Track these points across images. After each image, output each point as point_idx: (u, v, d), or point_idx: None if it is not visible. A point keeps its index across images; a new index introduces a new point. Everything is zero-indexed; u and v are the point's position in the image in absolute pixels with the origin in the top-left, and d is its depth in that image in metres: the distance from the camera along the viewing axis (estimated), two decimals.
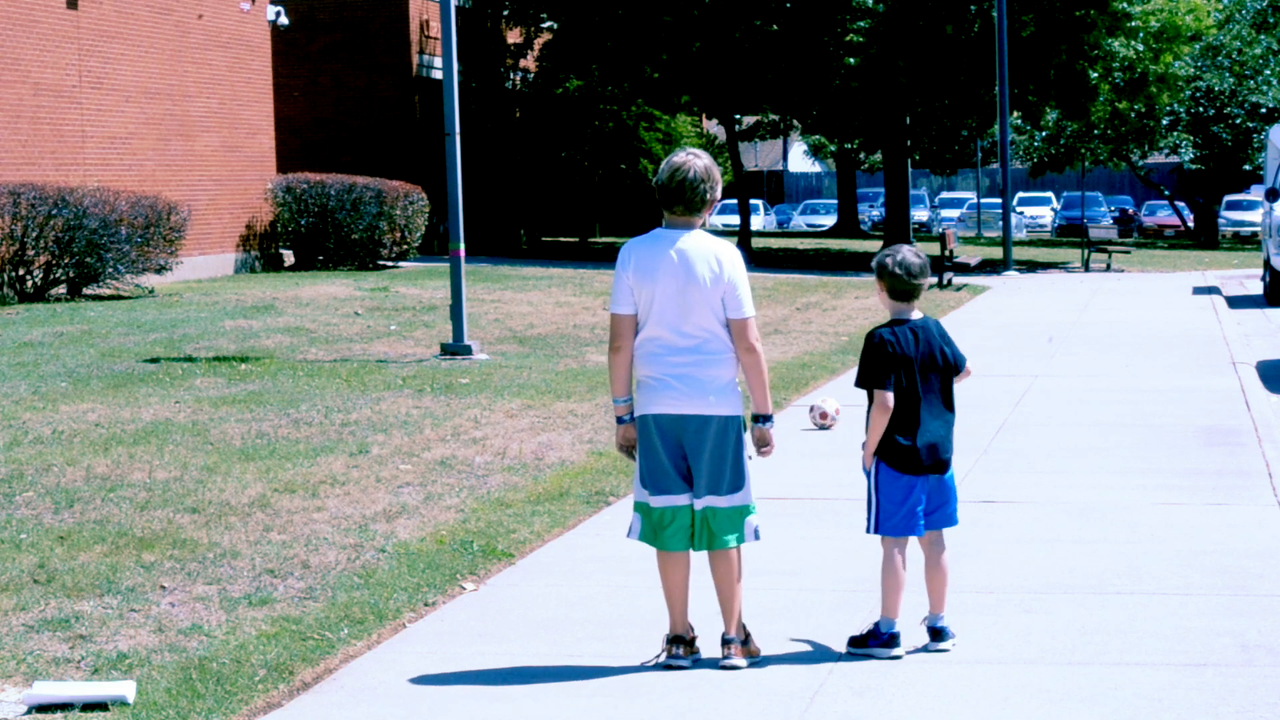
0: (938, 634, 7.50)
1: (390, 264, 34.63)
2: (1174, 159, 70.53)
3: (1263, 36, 62.37)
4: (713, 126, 67.85)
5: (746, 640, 7.35)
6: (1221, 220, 63.00)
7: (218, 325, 21.54)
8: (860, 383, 7.53)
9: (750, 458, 7.38)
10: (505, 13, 46.09)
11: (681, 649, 7.30)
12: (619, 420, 7.43)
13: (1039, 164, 65.04)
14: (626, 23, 42.34)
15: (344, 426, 13.66)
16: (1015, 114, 46.32)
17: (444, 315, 21.61)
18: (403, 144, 40.50)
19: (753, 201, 63.99)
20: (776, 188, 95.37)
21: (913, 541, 7.58)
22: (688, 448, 7.29)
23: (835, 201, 74.72)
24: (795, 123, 56.01)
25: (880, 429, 7.45)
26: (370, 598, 8.38)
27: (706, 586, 7.49)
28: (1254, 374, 17.81)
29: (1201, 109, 64.87)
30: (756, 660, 7.34)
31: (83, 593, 8.37)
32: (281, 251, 34.10)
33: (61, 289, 26.05)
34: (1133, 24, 41.24)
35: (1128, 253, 44.46)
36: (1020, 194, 75.87)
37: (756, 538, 7.39)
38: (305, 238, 33.71)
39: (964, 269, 37.50)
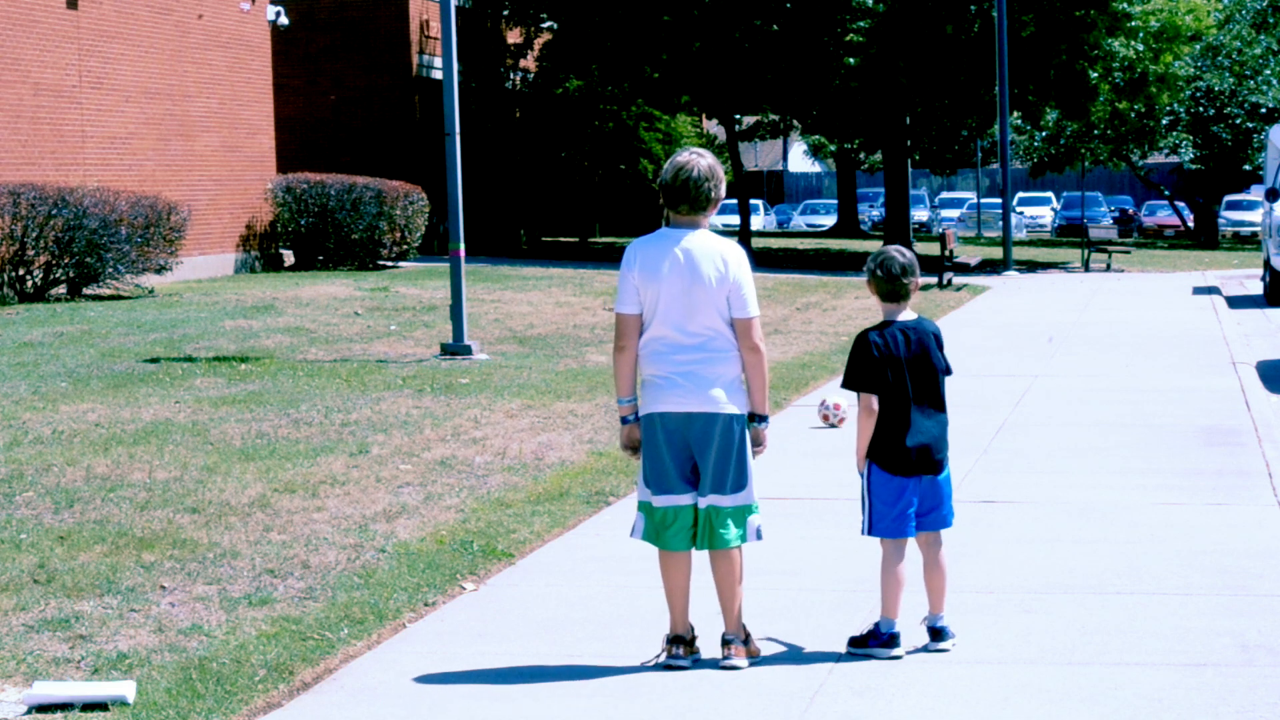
0: (938, 634, 7.50)
1: (390, 264, 34.62)
2: (1174, 159, 70.52)
3: (1262, 36, 62.35)
4: (713, 126, 67.84)
5: (747, 640, 7.35)
6: (1221, 220, 62.98)
7: (218, 325, 21.53)
8: (846, 384, 7.54)
9: None
10: (505, 13, 46.08)
11: (682, 649, 7.30)
12: (623, 420, 7.42)
13: (1039, 164, 65.01)
14: (626, 23, 42.34)
15: (344, 426, 13.66)
16: (1015, 114, 46.33)
17: (444, 315, 21.61)
18: (403, 144, 40.50)
19: (753, 201, 64.01)
20: (776, 188, 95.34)
21: (912, 541, 7.58)
22: (694, 446, 7.29)
23: (835, 201, 74.71)
24: (795, 123, 56.00)
25: (867, 431, 7.45)
26: (370, 598, 8.38)
27: (707, 586, 7.49)
28: (1254, 374, 17.80)
29: (1201, 109, 64.85)
30: (757, 660, 7.34)
31: (83, 593, 8.37)
32: (281, 251, 34.09)
33: (61, 289, 26.04)
34: (1133, 24, 41.23)
35: (1128, 253, 44.46)
36: (1020, 194, 75.84)
37: (759, 537, 7.39)
38: (305, 238, 33.69)
39: (964, 269, 37.49)
